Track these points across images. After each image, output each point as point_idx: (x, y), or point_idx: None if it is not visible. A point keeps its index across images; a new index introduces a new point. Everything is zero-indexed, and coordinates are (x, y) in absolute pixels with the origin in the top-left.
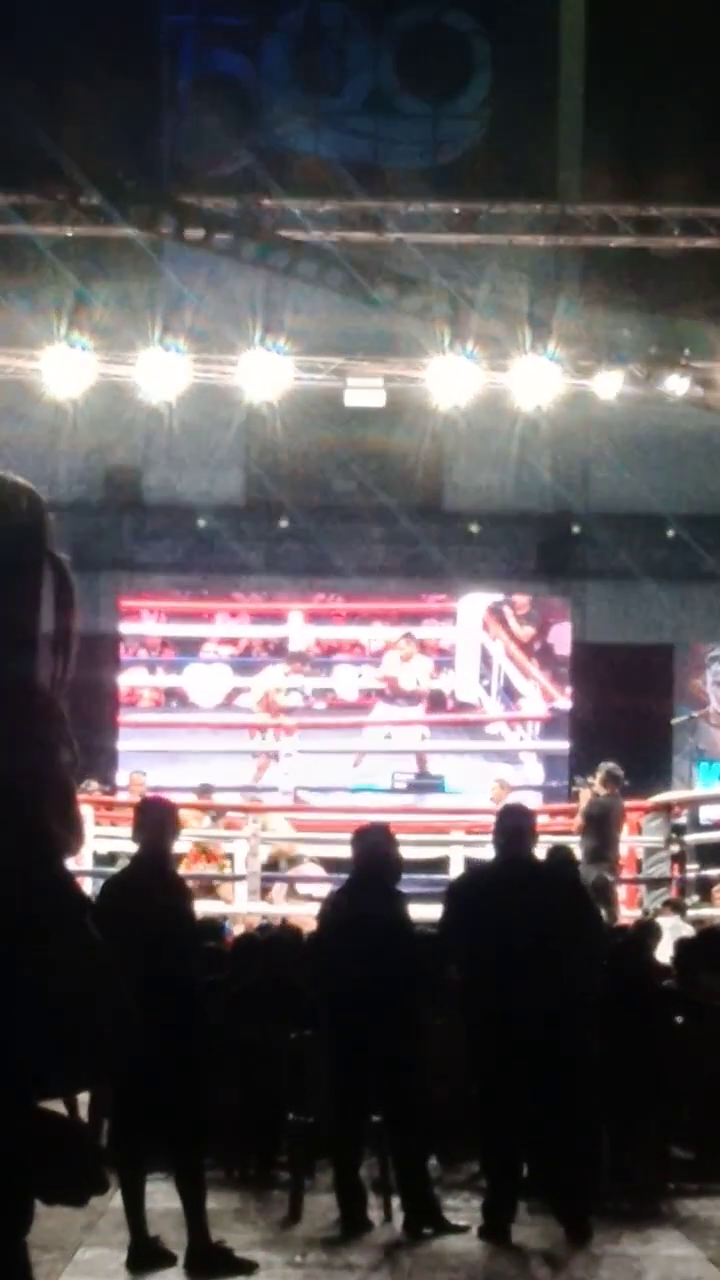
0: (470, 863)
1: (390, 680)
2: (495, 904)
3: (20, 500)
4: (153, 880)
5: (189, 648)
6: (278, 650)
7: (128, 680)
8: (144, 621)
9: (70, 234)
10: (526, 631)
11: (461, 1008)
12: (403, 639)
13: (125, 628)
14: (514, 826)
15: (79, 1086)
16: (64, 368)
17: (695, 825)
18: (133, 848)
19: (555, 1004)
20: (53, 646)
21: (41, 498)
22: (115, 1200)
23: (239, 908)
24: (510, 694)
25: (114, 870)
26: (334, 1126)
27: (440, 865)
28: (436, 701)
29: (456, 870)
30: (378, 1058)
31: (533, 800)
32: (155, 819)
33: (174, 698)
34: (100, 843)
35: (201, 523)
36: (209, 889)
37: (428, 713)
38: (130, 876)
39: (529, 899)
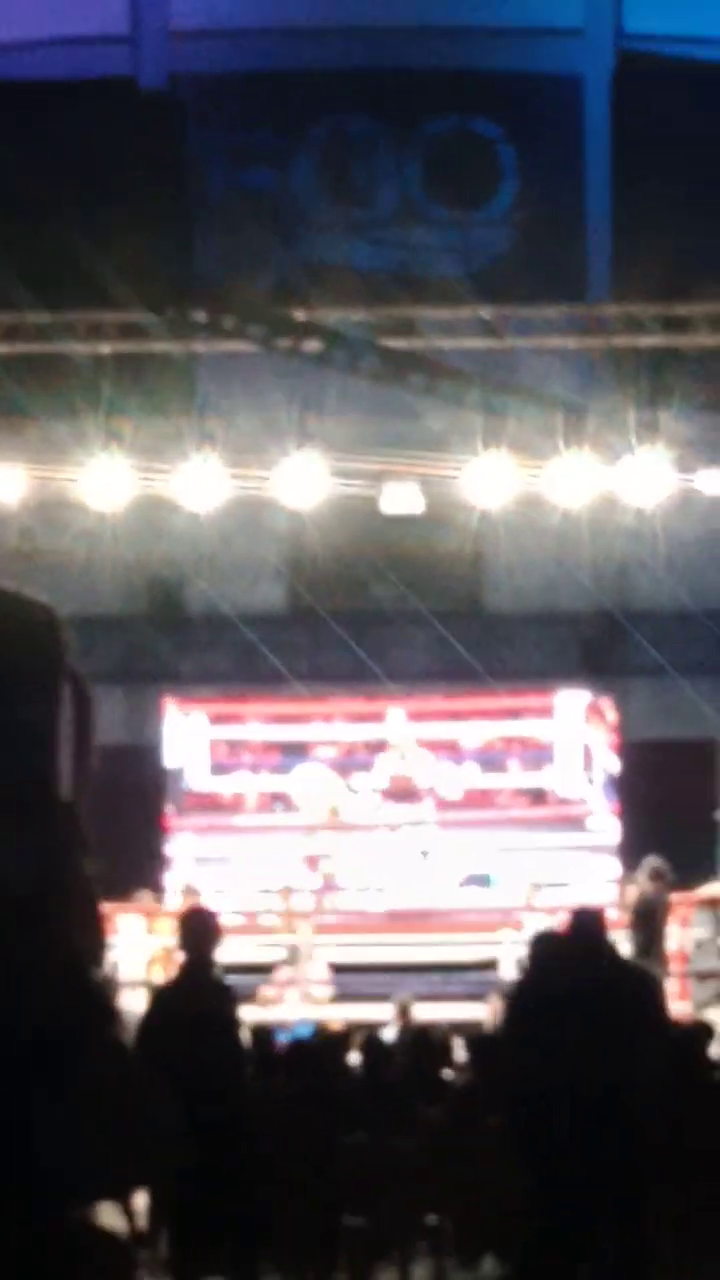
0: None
1: (401, 781)
2: (565, 1012)
3: (38, 615)
4: (199, 989)
5: (294, 751)
6: (378, 750)
7: (232, 785)
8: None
9: (107, 350)
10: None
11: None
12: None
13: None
14: (586, 928)
15: (115, 1193)
16: (103, 482)
17: None
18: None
19: (625, 1109)
20: (73, 757)
21: (59, 614)
22: None
23: (288, 1014)
24: (614, 787)
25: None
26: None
27: (489, 965)
28: (538, 798)
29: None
30: None
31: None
32: (197, 928)
33: (279, 801)
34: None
35: (244, 633)
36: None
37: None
38: (177, 987)
39: (603, 1004)
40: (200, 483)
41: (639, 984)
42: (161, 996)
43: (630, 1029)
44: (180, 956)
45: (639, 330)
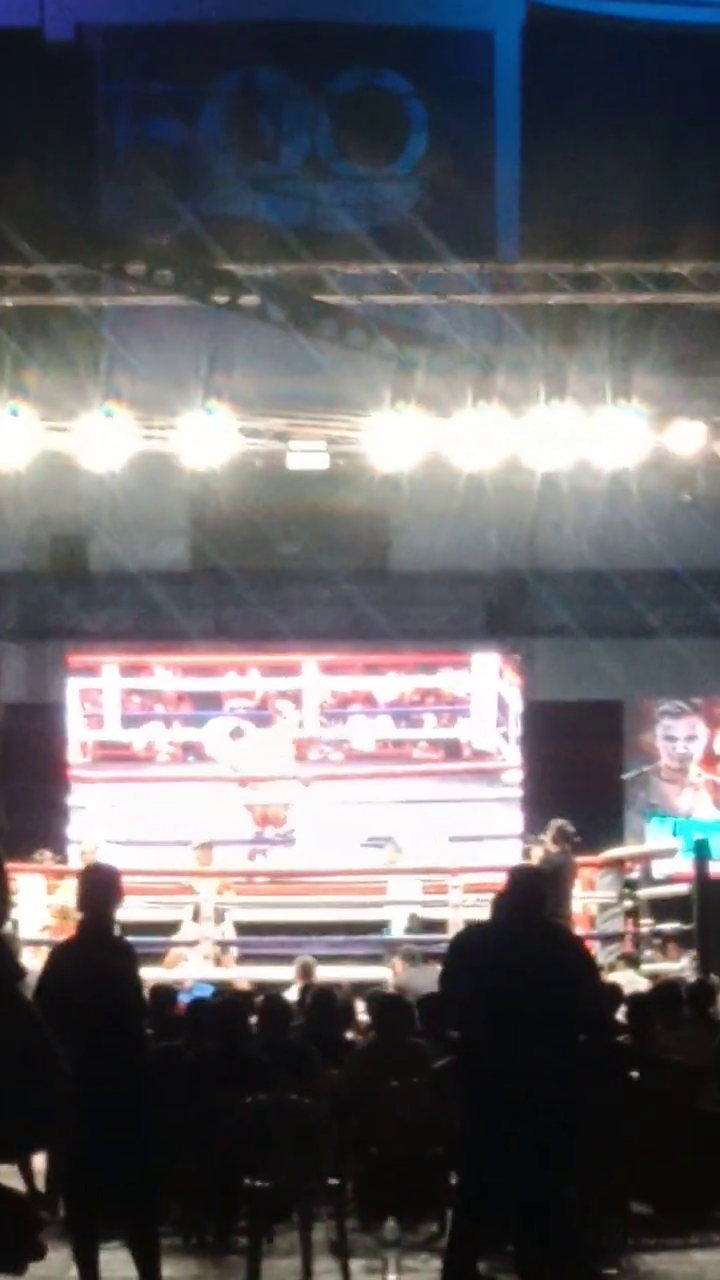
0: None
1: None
2: (504, 964)
3: None
4: (98, 947)
5: (206, 702)
6: (294, 702)
7: (146, 735)
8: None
9: (10, 303)
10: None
11: (461, 1068)
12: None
13: (86, 683)
14: (526, 886)
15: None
16: (6, 437)
17: (648, 880)
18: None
19: (558, 1068)
20: None
21: None
22: (72, 1270)
23: (192, 973)
24: (521, 746)
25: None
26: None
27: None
28: (453, 751)
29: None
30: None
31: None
32: (97, 886)
33: (191, 752)
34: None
35: (148, 590)
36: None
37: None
38: (75, 944)
39: (539, 960)
40: (105, 438)
41: (575, 949)
42: (59, 954)
43: (562, 991)
44: (79, 914)
45: (548, 287)
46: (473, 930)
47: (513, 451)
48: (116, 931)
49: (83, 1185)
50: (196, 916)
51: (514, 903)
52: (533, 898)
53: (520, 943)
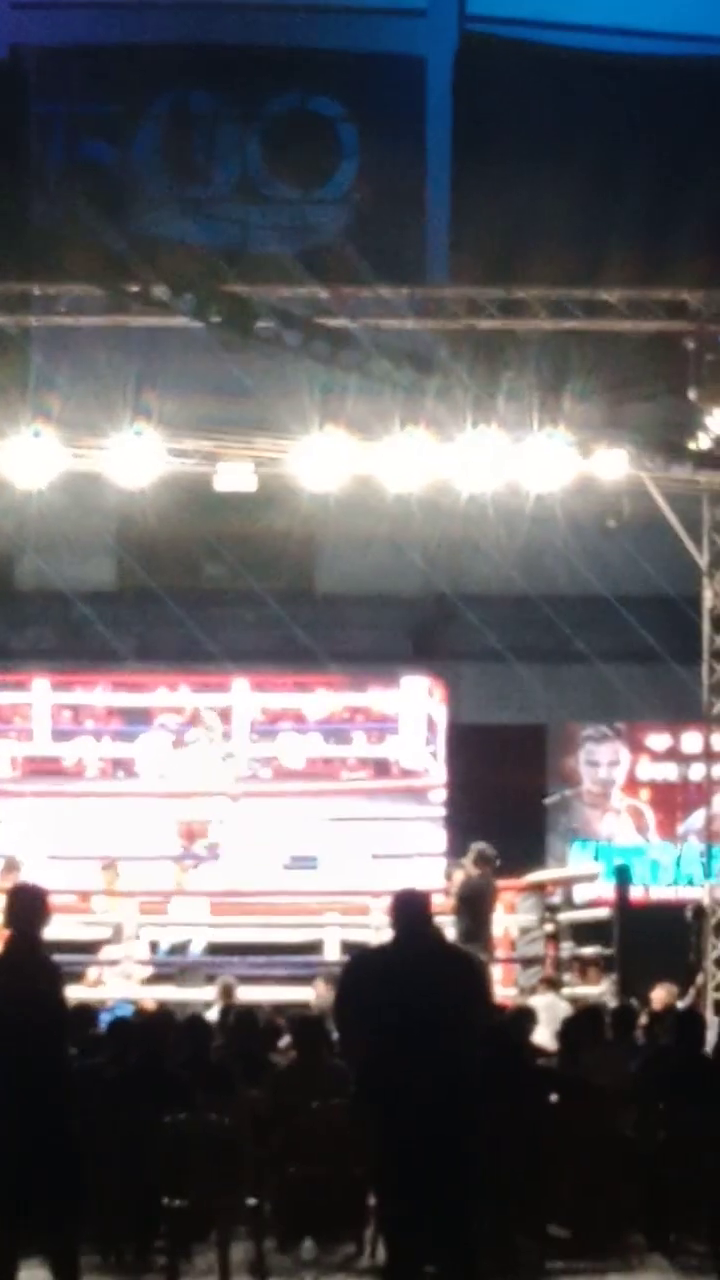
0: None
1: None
2: (396, 987)
3: None
4: (24, 965)
5: (137, 718)
6: (224, 719)
7: (75, 750)
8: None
9: None
10: None
11: (360, 1091)
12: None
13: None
14: (412, 908)
15: None
16: None
17: (569, 904)
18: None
19: (457, 1088)
20: None
21: None
22: None
23: (112, 993)
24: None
25: None
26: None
27: (315, 948)
28: (381, 769)
29: (331, 953)
30: None
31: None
32: (24, 904)
33: (120, 768)
34: None
35: (75, 609)
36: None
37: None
38: (2, 963)
39: (431, 983)
40: (32, 458)
41: (464, 966)
42: None
43: (455, 1011)
44: (5, 933)
45: (476, 312)
46: (364, 954)
47: (439, 476)
48: (42, 951)
49: (3, 1201)
50: (117, 936)
51: (402, 925)
52: (419, 918)
53: (411, 964)
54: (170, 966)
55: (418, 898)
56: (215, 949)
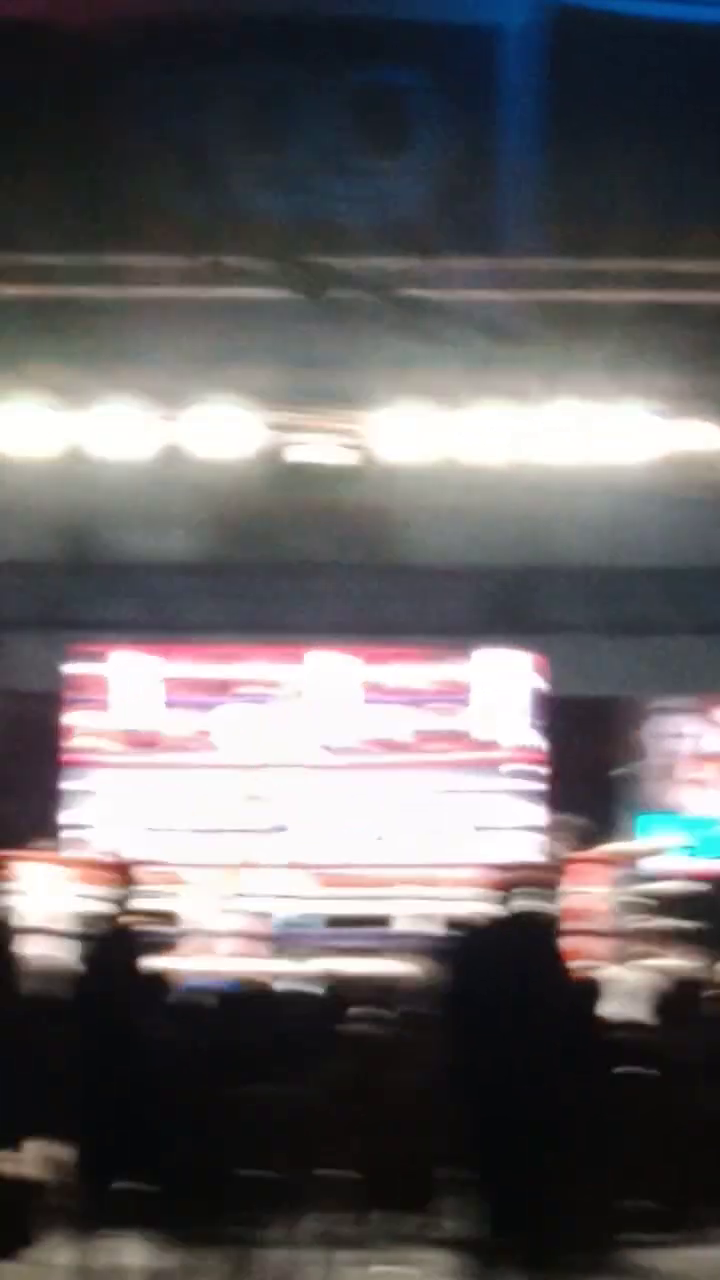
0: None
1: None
2: (494, 962)
3: None
4: (118, 939)
5: (224, 690)
6: (308, 691)
7: (160, 722)
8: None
9: (20, 294)
10: None
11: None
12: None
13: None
14: (514, 884)
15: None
16: (16, 428)
17: (654, 877)
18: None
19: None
20: None
21: None
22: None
23: (193, 965)
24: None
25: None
26: None
27: (401, 921)
28: (467, 742)
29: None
30: None
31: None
32: (119, 878)
33: (203, 740)
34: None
35: (156, 583)
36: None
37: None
38: (97, 936)
39: (533, 957)
40: (114, 430)
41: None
42: (82, 946)
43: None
44: (103, 906)
45: (557, 283)
46: (468, 928)
47: (523, 447)
48: (128, 922)
49: (92, 1172)
50: (199, 906)
51: (505, 900)
52: (522, 893)
53: (515, 939)
54: (278, 939)
55: (520, 873)
56: (328, 921)
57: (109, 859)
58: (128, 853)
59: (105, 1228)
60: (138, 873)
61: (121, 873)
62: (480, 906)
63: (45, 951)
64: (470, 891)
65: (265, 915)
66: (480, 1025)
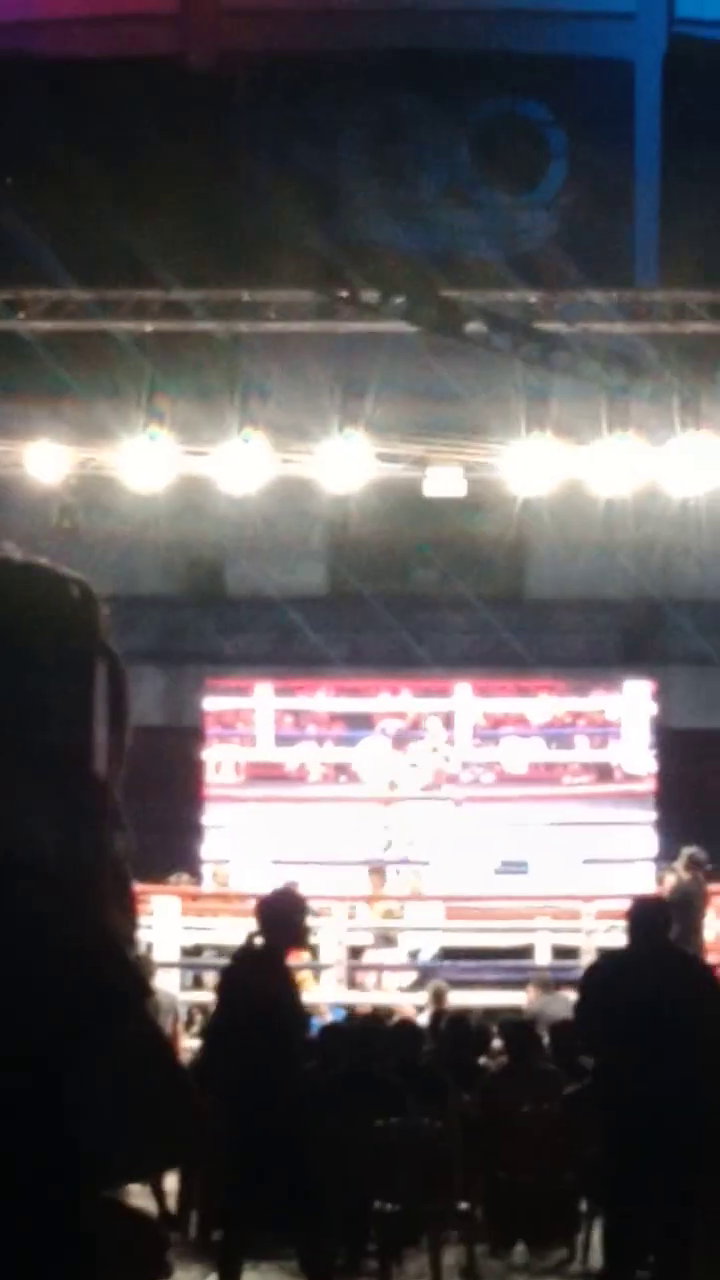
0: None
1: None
2: (635, 992)
3: (73, 591)
4: (271, 973)
5: (358, 723)
6: (446, 723)
7: (298, 755)
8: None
9: (149, 329)
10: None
11: (596, 1096)
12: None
13: (236, 703)
14: (649, 914)
15: (146, 1174)
16: (145, 462)
17: None
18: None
19: (695, 1093)
20: (108, 735)
21: (94, 590)
22: None
23: (325, 997)
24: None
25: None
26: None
27: (526, 952)
28: (603, 773)
29: (542, 957)
30: None
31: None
32: (272, 912)
33: (343, 773)
34: (187, 935)
35: (285, 615)
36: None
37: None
38: (240, 968)
39: (668, 987)
40: (242, 463)
41: (698, 970)
42: (234, 978)
43: (693, 1014)
44: (258, 939)
45: (685, 316)
46: (605, 959)
47: (649, 479)
48: (268, 954)
49: (237, 1203)
50: (336, 938)
51: (641, 931)
52: (658, 925)
53: (650, 970)
54: (414, 971)
55: (655, 904)
56: (446, 954)
57: (280, 894)
58: (264, 885)
59: (248, 1259)
60: (273, 905)
61: (287, 907)
62: (617, 936)
63: (174, 985)
64: (605, 923)
65: (400, 947)
66: (631, 1053)
